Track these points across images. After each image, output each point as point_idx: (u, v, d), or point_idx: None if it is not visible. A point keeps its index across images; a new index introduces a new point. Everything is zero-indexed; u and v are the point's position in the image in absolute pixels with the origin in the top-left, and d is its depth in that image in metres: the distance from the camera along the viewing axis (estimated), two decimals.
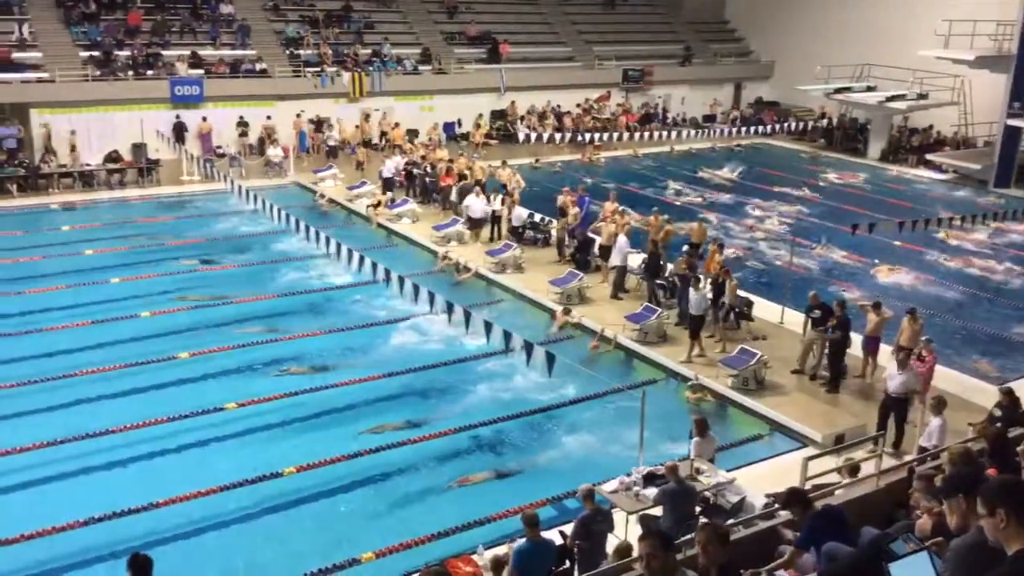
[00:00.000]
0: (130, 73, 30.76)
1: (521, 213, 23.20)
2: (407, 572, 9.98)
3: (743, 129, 38.71)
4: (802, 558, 7.18)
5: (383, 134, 34.28)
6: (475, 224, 23.32)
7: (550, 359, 13.53)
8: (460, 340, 16.76)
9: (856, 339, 15.70)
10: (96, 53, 30.64)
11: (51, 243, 22.50)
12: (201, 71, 31.90)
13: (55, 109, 29.03)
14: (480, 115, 36.58)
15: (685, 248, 19.37)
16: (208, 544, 11.13)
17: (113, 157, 28.66)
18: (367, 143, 33.14)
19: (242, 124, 32.23)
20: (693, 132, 38.07)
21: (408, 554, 10.77)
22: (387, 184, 26.94)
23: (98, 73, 30.12)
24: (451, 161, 27.29)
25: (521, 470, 13.09)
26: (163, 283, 19.93)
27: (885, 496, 8.97)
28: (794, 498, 7.86)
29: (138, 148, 29.19)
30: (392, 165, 27.53)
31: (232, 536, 11.32)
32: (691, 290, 16.81)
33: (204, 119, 31.36)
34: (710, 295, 17.04)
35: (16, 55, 29.45)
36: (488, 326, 14.48)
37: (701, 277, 17.72)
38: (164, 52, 31.89)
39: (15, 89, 28.83)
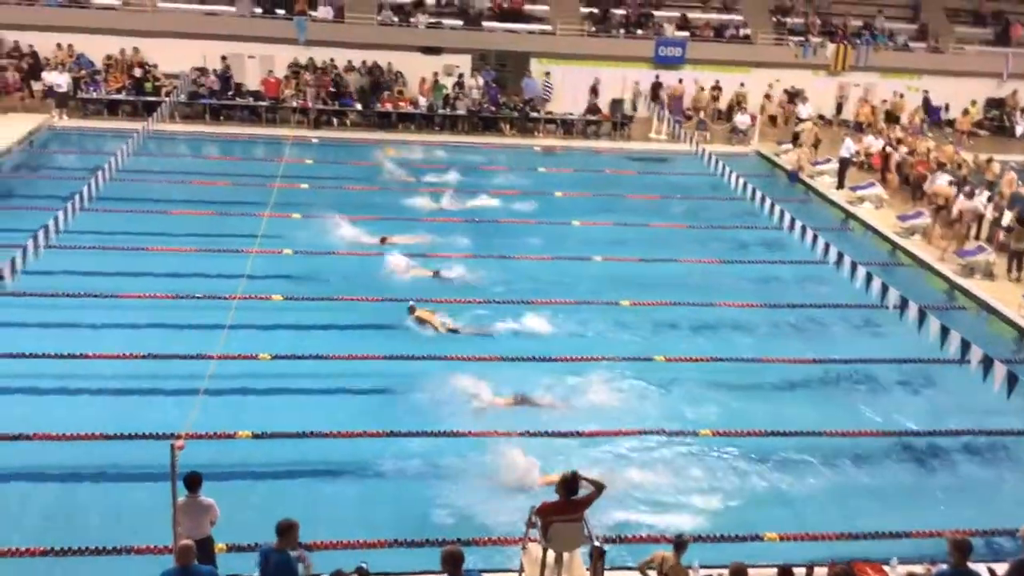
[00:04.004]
0: (622, 31, 32.55)
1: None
2: (809, 563, 9.65)
3: None
4: None
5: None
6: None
7: (1011, 380, 12.09)
8: (908, 340, 15.59)
9: None
10: (595, 10, 32.82)
11: (529, 182, 24.77)
12: (686, 33, 32.75)
13: (553, 60, 31.70)
14: (973, 101, 33.13)
15: None
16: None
17: (593, 109, 30.67)
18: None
19: (716, 88, 32.58)
20: None
21: (813, 545, 10.45)
22: (843, 164, 25.56)
23: (593, 29, 32.31)
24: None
25: (956, 491, 12.00)
26: (616, 232, 21.06)
27: None
28: None
29: (616, 103, 30.88)
30: (852, 145, 25.94)
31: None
32: None
33: (680, 81, 32.20)
34: None
35: (527, 7, 32.58)
36: (945, 331, 13.30)
37: None
38: (655, 12, 33.23)
39: (520, 39, 31.99)
